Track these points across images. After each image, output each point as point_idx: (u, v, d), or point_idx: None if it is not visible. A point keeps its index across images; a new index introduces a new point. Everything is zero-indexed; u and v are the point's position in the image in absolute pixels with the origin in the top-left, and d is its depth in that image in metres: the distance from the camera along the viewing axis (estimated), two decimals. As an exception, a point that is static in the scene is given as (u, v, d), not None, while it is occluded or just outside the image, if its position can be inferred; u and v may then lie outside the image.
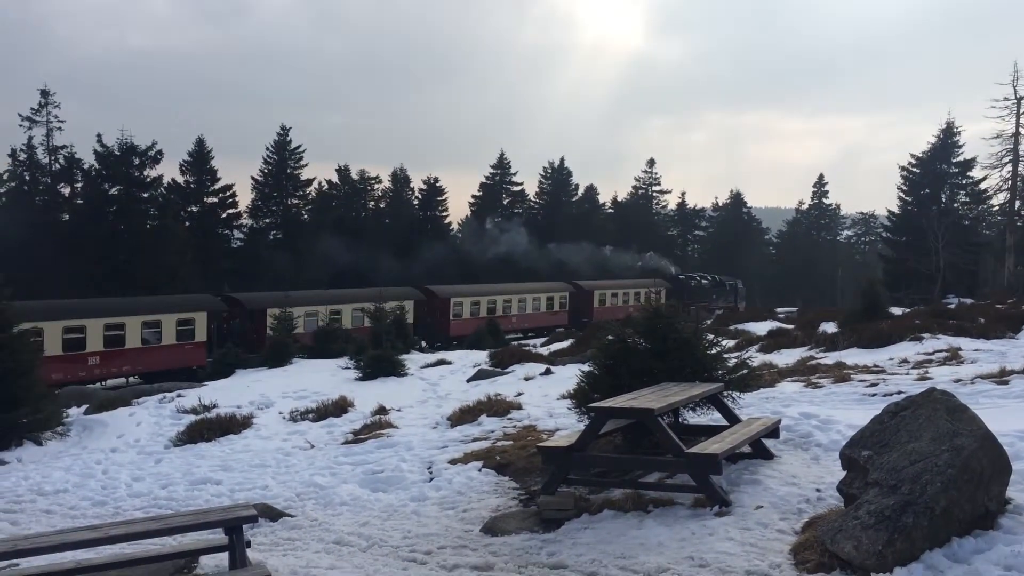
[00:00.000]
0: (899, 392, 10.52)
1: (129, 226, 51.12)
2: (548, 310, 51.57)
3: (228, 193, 62.28)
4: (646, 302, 10.43)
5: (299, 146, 66.11)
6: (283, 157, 65.38)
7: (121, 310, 31.28)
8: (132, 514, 8.87)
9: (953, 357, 15.51)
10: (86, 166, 52.75)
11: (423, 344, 37.38)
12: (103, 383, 28.46)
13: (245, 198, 64.69)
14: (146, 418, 14.33)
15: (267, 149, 65.60)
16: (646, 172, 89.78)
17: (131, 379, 30.30)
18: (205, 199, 61.59)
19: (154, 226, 52.02)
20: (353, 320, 38.98)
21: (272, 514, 8.30)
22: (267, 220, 65.38)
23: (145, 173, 53.14)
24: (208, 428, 12.78)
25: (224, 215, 62.81)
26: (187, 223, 58.65)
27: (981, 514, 5.68)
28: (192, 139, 63.04)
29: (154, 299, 35.78)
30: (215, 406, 14.79)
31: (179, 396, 16.61)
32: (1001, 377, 11.99)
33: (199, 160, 60.97)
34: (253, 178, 65.35)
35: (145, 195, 53.25)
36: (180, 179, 60.42)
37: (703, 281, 62.78)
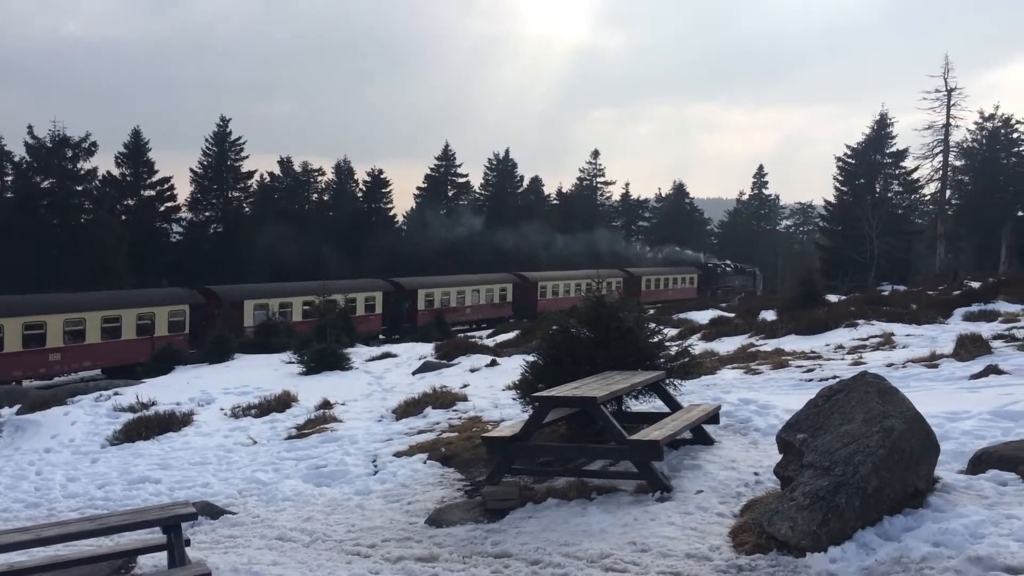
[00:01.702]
0: (834, 377, 10.78)
1: (63, 220, 49.74)
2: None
3: (166, 186, 61.02)
4: (588, 292, 10.50)
5: (239, 137, 65.03)
6: (223, 149, 64.18)
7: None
8: (67, 515, 8.65)
9: (886, 342, 15.96)
10: (16, 158, 51.16)
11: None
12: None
13: (184, 191, 63.47)
14: (81, 417, 13.97)
15: (206, 141, 64.38)
16: (591, 163, 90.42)
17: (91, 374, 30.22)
18: (142, 192, 60.22)
19: (89, 220, 50.66)
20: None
21: (213, 512, 8.18)
22: (207, 213, 64.16)
23: (79, 166, 51.77)
24: (146, 426, 12.50)
25: (162, 208, 61.49)
26: (123, 217, 57.26)
27: (911, 493, 5.87)
28: (128, 131, 61.58)
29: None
30: (154, 404, 14.48)
31: (116, 394, 16.22)
32: (931, 361, 12.37)
33: (135, 152, 59.55)
34: (192, 170, 64.07)
35: (79, 188, 51.83)
36: (116, 172, 59.02)
37: (727, 268, 70.25)
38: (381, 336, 40.63)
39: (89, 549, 6.61)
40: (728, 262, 73.60)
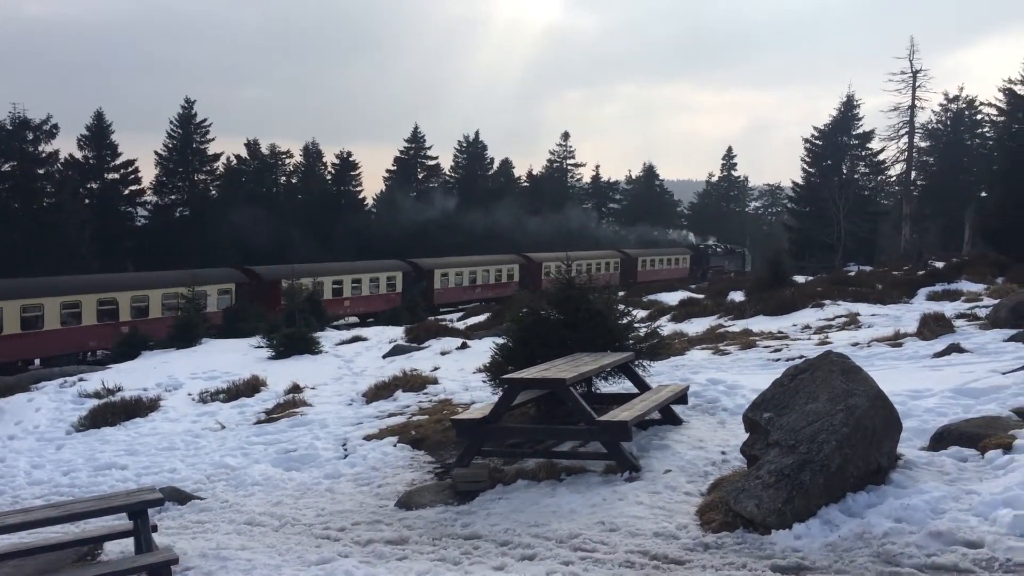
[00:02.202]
0: (801, 357, 10.91)
1: (24, 204, 48.82)
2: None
3: (130, 169, 60.06)
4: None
5: (205, 120, 64.09)
6: (188, 131, 63.23)
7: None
8: (32, 503, 8.55)
9: (852, 322, 16.17)
10: (-26, 142, 50.06)
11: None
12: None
13: (149, 174, 62.54)
14: (46, 403, 13.80)
15: (171, 123, 63.37)
16: (561, 145, 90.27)
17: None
18: (105, 175, 59.25)
19: (51, 204, 49.76)
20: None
21: (180, 497, 8.12)
22: (173, 196, 63.27)
23: (40, 148, 50.70)
24: (112, 412, 12.37)
25: (126, 192, 60.55)
26: (87, 200, 56.33)
27: (873, 470, 5.96)
28: (90, 112, 60.35)
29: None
30: (120, 389, 14.33)
31: (81, 380, 16.02)
32: (895, 340, 12.56)
33: (98, 135, 58.53)
34: (157, 153, 63.07)
35: (41, 171, 50.83)
36: (78, 154, 57.98)
37: (718, 249, 72.24)
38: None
39: (54, 536, 6.53)
40: (719, 243, 75.75)
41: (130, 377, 15.79)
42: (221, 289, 37.58)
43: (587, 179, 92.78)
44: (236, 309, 30.90)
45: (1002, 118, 42.45)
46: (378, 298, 44.17)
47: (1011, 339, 11.18)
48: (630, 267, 62.45)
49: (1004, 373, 8.86)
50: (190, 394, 13.84)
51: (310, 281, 38.72)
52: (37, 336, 30.06)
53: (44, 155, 51.00)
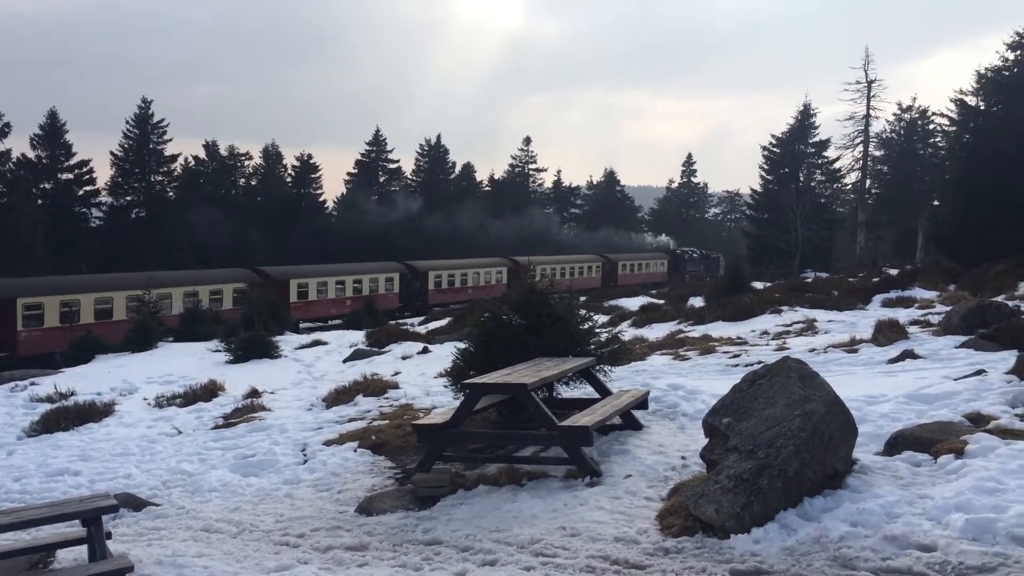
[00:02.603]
0: (759, 362, 11.04)
1: (-26, 204, 47.73)
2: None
3: (85, 169, 59.09)
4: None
5: (162, 120, 63.25)
6: (145, 131, 62.36)
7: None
8: (-19, 510, 8.34)
9: (809, 328, 16.41)
10: (-77, 139, 48.82)
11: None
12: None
13: (104, 175, 61.48)
14: (-4, 408, 13.47)
15: (127, 123, 62.45)
16: (523, 150, 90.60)
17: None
18: (59, 175, 58.16)
19: (3, 204, 48.66)
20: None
21: (135, 503, 7.98)
22: (129, 198, 62.30)
23: (-9, 147, 49.61)
24: (65, 417, 12.11)
25: (81, 192, 59.49)
26: (40, 201, 55.20)
27: (830, 474, 6.06)
28: (43, 111, 59.22)
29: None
30: (73, 394, 14.04)
31: (33, 384, 15.68)
32: (851, 346, 12.77)
33: (52, 134, 57.50)
34: (112, 153, 62.13)
35: (-8, 170, 49.75)
36: (31, 154, 56.84)
37: (694, 255, 75.21)
38: (396, 313, 44.34)
39: (5, 544, 6.37)
40: (695, 249, 78.82)
41: (84, 381, 15.48)
42: (236, 288, 39.48)
43: (548, 184, 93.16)
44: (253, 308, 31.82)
45: (953, 128, 43.38)
46: (378, 297, 45.65)
47: (963, 345, 11.43)
48: (611, 271, 65.09)
49: (956, 379, 9.05)
50: (146, 399, 13.61)
51: (316, 281, 43.98)
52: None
53: (-5, 154, 49.91)
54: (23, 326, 30.82)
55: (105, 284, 35.06)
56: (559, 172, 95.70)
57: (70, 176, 58.73)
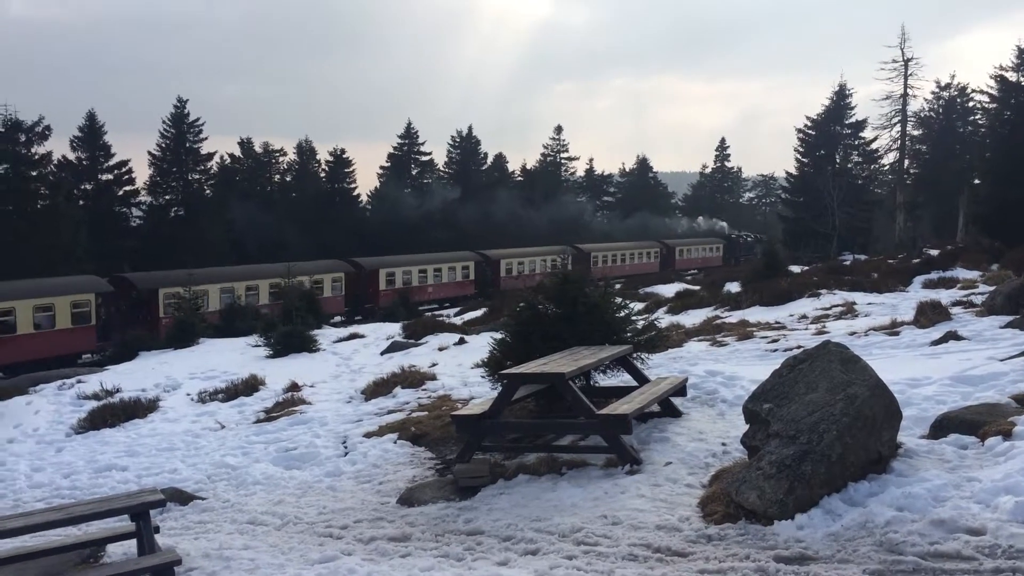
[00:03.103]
0: (798, 347, 10.92)
1: (18, 206, 48.61)
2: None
3: (124, 169, 59.84)
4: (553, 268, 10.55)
5: (198, 119, 63.83)
6: (181, 131, 62.99)
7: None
8: (33, 506, 8.53)
9: (848, 311, 16.20)
10: (-33, 145, 49.81)
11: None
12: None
13: (143, 174, 62.33)
14: (45, 406, 13.76)
15: (164, 123, 63.11)
16: (554, 139, 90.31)
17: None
18: (99, 176, 59.05)
19: (45, 206, 49.56)
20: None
21: (182, 498, 8.12)
22: (167, 197, 63.07)
23: (33, 150, 50.39)
24: (112, 413, 12.34)
25: (121, 192, 60.37)
26: (81, 202, 56.14)
27: (874, 459, 5.98)
28: (82, 114, 60.10)
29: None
30: (118, 390, 14.29)
31: (79, 382, 15.98)
32: (892, 328, 12.59)
33: (91, 135, 58.33)
34: (150, 153, 62.86)
35: (34, 173, 50.63)
36: (71, 156, 57.79)
37: (748, 239, 76.89)
38: (471, 300, 46.00)
39: (56, 539, 6.51)
40: (749, 233, 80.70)
41: (128, 378, 15.76)
42: (334, 278, 44.06)
43: (581, 172, 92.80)
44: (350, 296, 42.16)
45: (994, 105, 42.47)
46: (455, 285, 50.35)
47: (1008, 326, 11.21)
48: (669, 256, 68.02)
49: (1002, 360, 8.89)
50: (189, 394, 13.82)
51: (400, 270, 47.34)
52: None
53: (37, 157, 50.73)
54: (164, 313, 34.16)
55: (246, 274, 40.04)
56: (591, 160, 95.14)
57: (110, 177, 59.55)
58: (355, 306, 43.98)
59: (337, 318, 38.77)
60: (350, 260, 46.34)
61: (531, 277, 52.82)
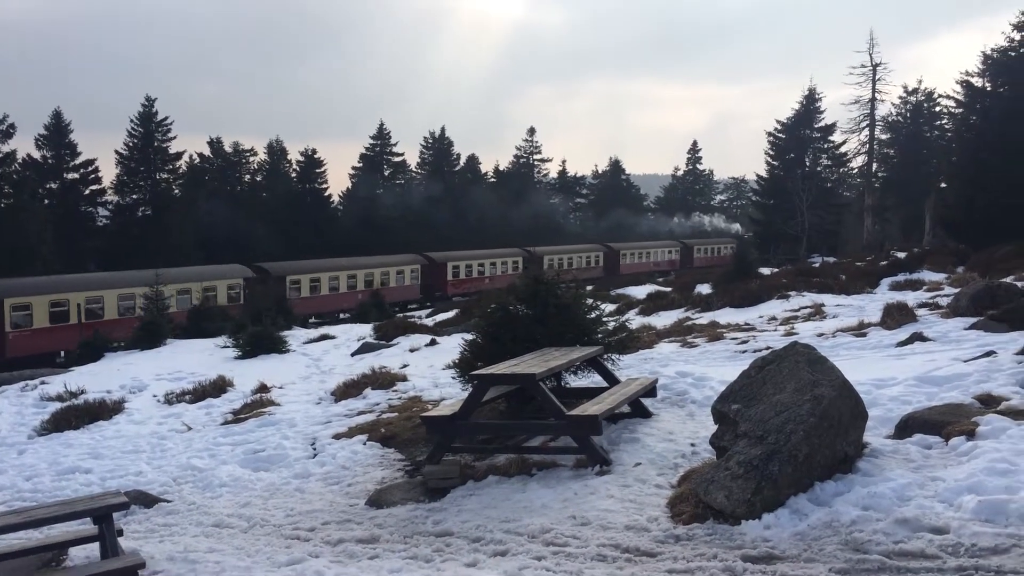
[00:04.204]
0: (767, 348, 10.99)
1: (-19, 205, 47.90)
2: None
3: (90, 168, 59.19)
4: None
5: (166, 118, 63.26)
6: (149, 129, 62.38)
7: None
8: (-7, 509, 8.37)
9: (817, 313, 16.36)
10: (-71, 142, 48.94)
11: None
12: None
13: (109, 173, 61.58)
14: (6, 407, 13.54)
15: (132, 121, 62.47)
16: (527, 141, 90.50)
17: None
18: (65, 175, 58.29)
19: (9, 204, 48.79)
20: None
21: (147, 500, 8.00)
22: (135, 196, 62.36)
23: (-3, 148, 49.72)
24: (76, 415, 12.16)
25: (87, 192, 59.62)
26: (46, 201, 55.34)
27: (840, 459, 6.03)
28: (48, 112, 59.28)
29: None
30: (83, 392, 14.09)
31: (43, 383, 15.75)
32: (860, 330, 12.72)
33: (56, 134, 57.61)
34: (117, 152, 62.18)
35: (-2, 172, 49.86)
36: (36, 154, 56.96)
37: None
38: None
39: (17, 542, 6.39)
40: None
41: (93, 380, 15.54)
42: (412, 270, 49.44)
43: (554, 174, 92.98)
44: (424, 286, 47.97)
45: (960, 110, 43.10)
46: (505, 277, 50.11)
47: (972, 327, 11.37)
48: (688, 255, 73.89)
49: (966, 361, 9.00)
50: (155, 396, 13.65)
51: (463, 263, 53.14)
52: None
53: (1, 155, 50.00)
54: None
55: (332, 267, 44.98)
56: (564, 162, 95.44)
57: (76, 176, 58.86)
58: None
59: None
60: (424, 254, 52.15)
61: (567, 272, 55.05)
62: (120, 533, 5.91)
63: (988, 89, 35.68)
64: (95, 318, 33.24)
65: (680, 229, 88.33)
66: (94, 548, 6.04)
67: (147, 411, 12.54)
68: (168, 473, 9.10)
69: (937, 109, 62.81)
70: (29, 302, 32.28)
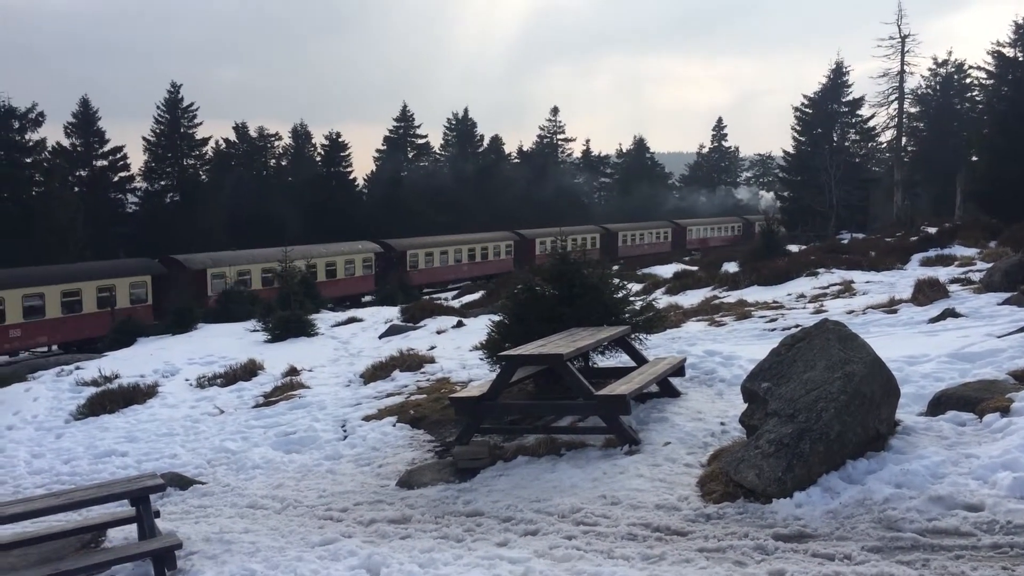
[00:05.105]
0: (796, 326, 10.92)
1: (13, 193, 48.48)
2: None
3: (119, 156, 59.75)
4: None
5: (192, 104, 63.66)
6: (175, 116, 62.82)
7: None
8: (33, 492, 8.55)
9: (846, 290, 16.20)
10: (-40, 132, 49.58)
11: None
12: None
13: (137, 160, 62.19)
14: (44, 393, 13.76)
15: (158, 108, 62.94)
16: (550, 121, 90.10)
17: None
18: (94, 163, 58.92)
19: (40, 192, 49.41)
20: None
21: (182, 482, 8.13)
22: (163, 182, 62.95)
23: (27, 137, 50.24)
24: (111, 399, 12.35)
25: (116, 179, 60.25)
26: (76, 188, 56.00)
27: (873, 436, 5.99)
28: (76, 100, 59.90)
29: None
30: (117, 376, 14.29)
31: (78, 368, 15.97)
32: (890, 307, 12.58)
33: (85, 122, 58.16)
34: (145, 139, 62.71)
35: (28, 160, 50.43)
36: (66, 142, 57.60)
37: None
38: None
39: (57, 524, 6.54)
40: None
41: (127, 364, 15.75)
42: (507, 246, 53.62)
43: (578, 153, 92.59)
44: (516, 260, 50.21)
45: (991, 81, 42.32)
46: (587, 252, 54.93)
47: (1005, 302, 11.21)
48: (749, 229, 73.84)
49: (999, 336, 8.89)
50: (187, 380, 13.82)
51: (548, 240, 52.71)
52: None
53: (31, 144, 50.57)
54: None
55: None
56: (588, 141, 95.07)
57: (104, 163, 59.45)
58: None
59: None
60: (516, 231, 55.72)
61: (641, 246, 61.95)
62: (157, 515, 6.02)
63: (1020, 59, 34.97)
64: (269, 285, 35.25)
65: (703, 209, 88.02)
66: (132, 529, 6.16)
67: (180, 395, 12.71)
68: (202, 456, 9.24)
69: (968, 81, 61.68)
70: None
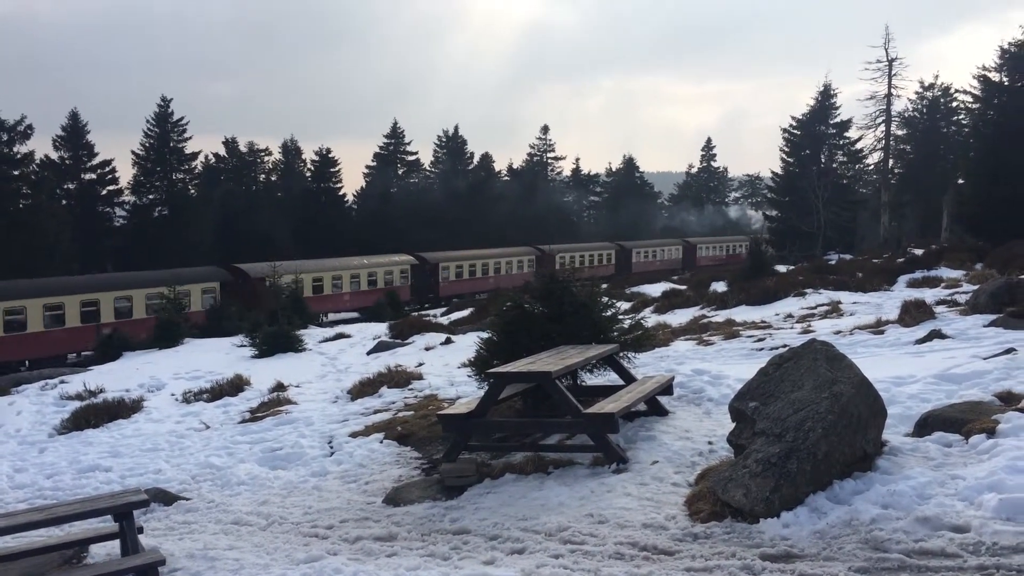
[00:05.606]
0: (784, 345, 10.96)
1: (0, 206, 48.26)
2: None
3: (107, 169, 59.56)
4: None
5: (182, 118, 63.59)
6: (165, 130, 62.72)
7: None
8: (15, 507, 8.44)
9: (834, 310, 16.27)
10: (-53, 143, 49.39)
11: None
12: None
13: (126, 174, 62.02)
14: (27, 407, 13.65)
15: (147, 122, 62.84)
16: (540, 139, 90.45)
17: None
18: (82, 176, 58.72)
19: (28, 205, 49.18)
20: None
21: (166, 498, 8.06)
22: (151, 196, 62.75)
23: (15, 149, 50.08)
24: (95, 414, 12.25)
25: (104, 192, 60.04)
26: (64, 201, 55.77)
27: (860, 456, 6.00)
28: (65, 112, 59.78)
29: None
30: (102, 391, 14.19)
31: (62, 382, 15.87)
32: (877, 327, 12.64)
33: (74, 134, 58.01)
34: (134, 153, 62.56)
35: (16, 172, 50.22)
36: (54, 155, 57.41)
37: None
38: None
39: (38, 540, 6.45)
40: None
41: (112, 378, 15.65)
42: (529, 260, 55.89)
43: (567, 172, 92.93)
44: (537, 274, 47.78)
45: (977, 105, 42.75)
46: (603, 267, 59.86)
47: (991, 324, 11.28)
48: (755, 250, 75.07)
49: (985, 358, 8.94)
50: (173, 394, 13.74)
51: (568, 255, 55.59)
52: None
53: (19, 156, 50.39)
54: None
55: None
56: (578, 160, 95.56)
57: (93, 176, 59.23)
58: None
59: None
60: (536, 246, 57.27)
61: (653, 263, 63.60)
62: (140, 530, 5.96)
63: (1006, 83, 35.38)
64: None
65: (692, 227, 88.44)
66: (115, 545, 6.10)
67: (165, 410, 12.62)
68: (187, 471, 9.17)
69: (954, 104, 62.30)
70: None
